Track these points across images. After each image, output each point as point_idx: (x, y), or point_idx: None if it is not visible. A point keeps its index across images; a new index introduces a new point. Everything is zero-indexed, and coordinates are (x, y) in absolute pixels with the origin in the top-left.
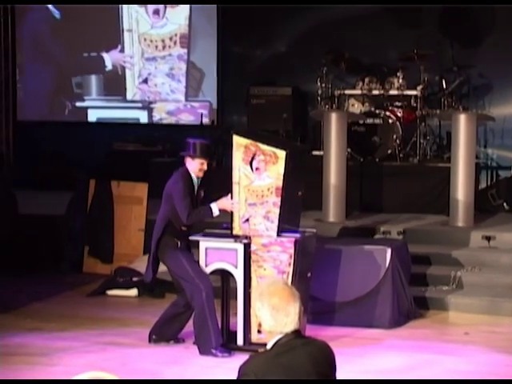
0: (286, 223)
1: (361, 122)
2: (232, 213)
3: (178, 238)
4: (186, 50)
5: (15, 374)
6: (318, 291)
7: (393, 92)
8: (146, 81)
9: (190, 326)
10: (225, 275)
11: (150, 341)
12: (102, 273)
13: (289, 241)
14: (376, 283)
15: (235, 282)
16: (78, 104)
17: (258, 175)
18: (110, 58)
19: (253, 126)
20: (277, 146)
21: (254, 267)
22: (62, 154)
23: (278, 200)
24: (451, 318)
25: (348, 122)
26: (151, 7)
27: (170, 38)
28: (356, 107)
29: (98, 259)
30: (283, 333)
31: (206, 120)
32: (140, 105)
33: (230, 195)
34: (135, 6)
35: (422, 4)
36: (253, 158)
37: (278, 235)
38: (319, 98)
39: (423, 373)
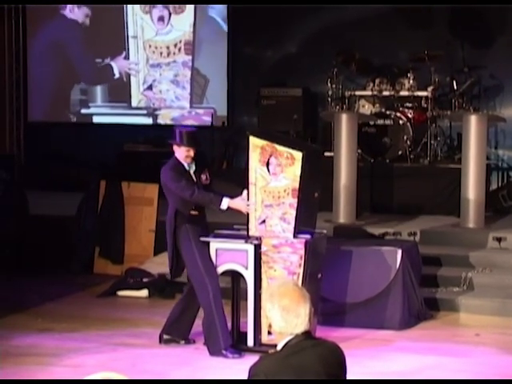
0: (303, 224)
1: (371, 123)
2: (248, 214)
3: (192, 223)
4: (190, 57)
5: (26, 374)
6: (329, 292)
7: (403, 93)
8: (150, 87)
9: (199, 326)
10: (235, 276)
11: (160, 341)
12: (113, 273)
13: (299, 242)
14: (386, 284)
15: (245, 283)
16: (83, 111)
17: (274, 176)
18: (117, 66)
19: (263, 126)
20: (293, 147)
21: (264, 268)
22: (72, 155)
23: (295, 201)
24: (462, 320)
25: (358, 123)
26: (156, 14)
27: (175, 45)
28: (366, 108)
29: (108, 260)
30: (293, 334)
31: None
32: (145, 112)
33: (245, 195)
34: (140, 13)
35: (432, 4)
36: (269, 160)
37: (295, 236)
38: (330, 99)
39: (433, 374)
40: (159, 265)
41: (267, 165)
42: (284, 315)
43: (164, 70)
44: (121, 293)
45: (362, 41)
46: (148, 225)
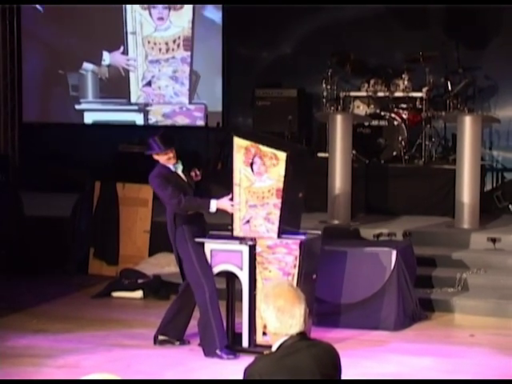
0: (287, 225)
1: (366, 123)
2: (232, 214)
3: (190, 224)
4: (189, 53)
5: (21, 375)
6: (324, 293)
7: (398, 94)
8: (149, 83)
9: (194, 327)
10: (230, 277)
11: (155, 342)
12: (108, 274)
13: (294, 243)
14: (381, 285)
15: (240, 284)
16: (76, 107)
17: (258, 177)
18: (109, 57)
19: (258, 127)
20: (277, 148)
21: (259, 269)
22: (67, 155)
23: (279, 201)
24: (457, 320)
25: (353, 124)
26: (155, 10)
27: (174, 41)
28: (361, 109)
29: (103, 261)
30: (288, 335)
31: (201, 123)
32: (136, 107)
33: (231, 196)
34: (139, 9)
35: (427, 4)
36: (253, 160)
37: (279, 237)
38: (324, 100)
39: (428, 375)
40: (154, 266)
41: (251, 165)
42: (279, 316)
43: (163, 66)
44: (115, 294)
45: (356, 42)
46: (143, 226)
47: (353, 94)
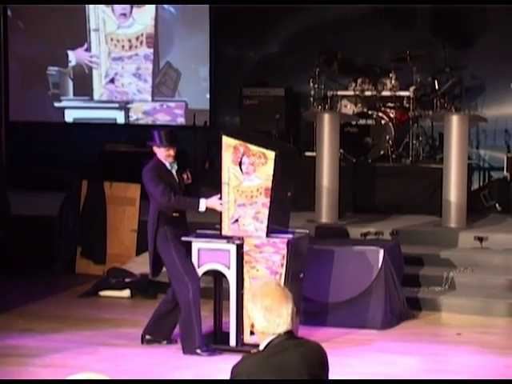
0: (275, 224)
1: (353, 122)
2: (221, 213)
3: (171, 225)
4: (152, 50)
5: (8, 375)
6: (311, 292)
7: (385, 93)
8: (112, 81)
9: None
10: (217, 276)
11: (142, 342)
12: (95, 274)
13: (281, 242)
14: (368, 284)
15: (228, 283)
16: (56, 104)
17: (247, 176)
18: (74, 55)
19: (245, 126)
20: (266, 147)
21: (246, 268)
22: (54, 154)
23: (267, 201)
24: (444, 319)
25: (341, 123)
26: (118, 7)
27: (137, 38)
28: (349, 108)
29: (90, 260)
30: (276, 334)
31: (182, 120)
32: (117, 105)
33: (219, 195)
34: (102, 6)
35: (414, 4)
36: (242, 159)
37: (268, 236)
38: (312, 99)
39: (415, 374)
40: (141, 265)
41: (240, 164)
42: (266, 315)
43: (126, 64)
44: (103, 293)
45: (344, 41)
46: (130, 225)
47: (340, 93)
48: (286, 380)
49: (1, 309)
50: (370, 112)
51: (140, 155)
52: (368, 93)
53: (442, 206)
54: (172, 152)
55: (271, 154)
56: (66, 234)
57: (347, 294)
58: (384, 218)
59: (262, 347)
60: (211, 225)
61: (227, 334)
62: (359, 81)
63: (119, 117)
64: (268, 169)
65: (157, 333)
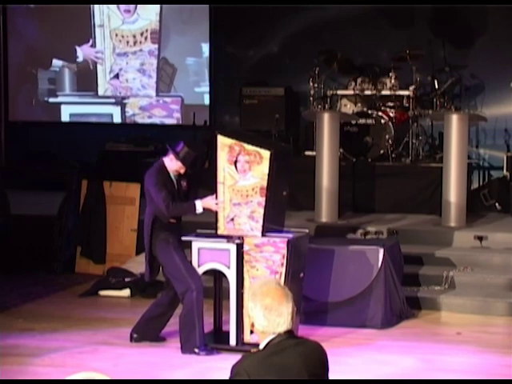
0: (271, 223)
1: (353, 122)
2: (216, 213)
3: (168, 231)
4: (156, 46)
5: (7, 374)
6: (311, 291)
7: (385, 92)
8: (117, 76)
9: (172, 325)
10: (217, 275)
11: (131, 339)
12: (95, 273)
13: (281, 241)
14: (368, 283)
15: (228, 283)
16: (52, 100)
17: (242, 175)
18: (81, 51)
19: (245, 126)
20: (261, 146)
21: (246, 267)
22: (54, 154)
23: (263, 200)
24: (443, 318)
25: (340, 123)
26: (123, 7)
27: (141, 34)
28: (348, 107)
29: (90, 260)
30: (276, 333)
31: (178, 115)
32: (113, 100)
33: (215, 195)
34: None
35: (414, 4)
36: (237, 158)
37: (263, 235)
38: (311, 99)
39: (415, 373)
40: (141, 264)
41: (235, 163)
42: (266, 314)
43: (130, 59)
44: (102, 292)
45: (343, 40)
46: (130, 224)
47: (340, 92)
48: (286, 379)
49: (1, 308)
50: (369, 111)
51: (139, 155)
52: (368, 92)
53: (441, 206)
54: (182, 170)
55: (266, 154)
56: (65, 234)
57: (347, 293)
58: (384, 217)
59: (261, 346)
60: (211, 225)
61: (227, 334)
62: (359, 80)
63: (115, 112)
64: (263, 168)
65: (146, 334)
